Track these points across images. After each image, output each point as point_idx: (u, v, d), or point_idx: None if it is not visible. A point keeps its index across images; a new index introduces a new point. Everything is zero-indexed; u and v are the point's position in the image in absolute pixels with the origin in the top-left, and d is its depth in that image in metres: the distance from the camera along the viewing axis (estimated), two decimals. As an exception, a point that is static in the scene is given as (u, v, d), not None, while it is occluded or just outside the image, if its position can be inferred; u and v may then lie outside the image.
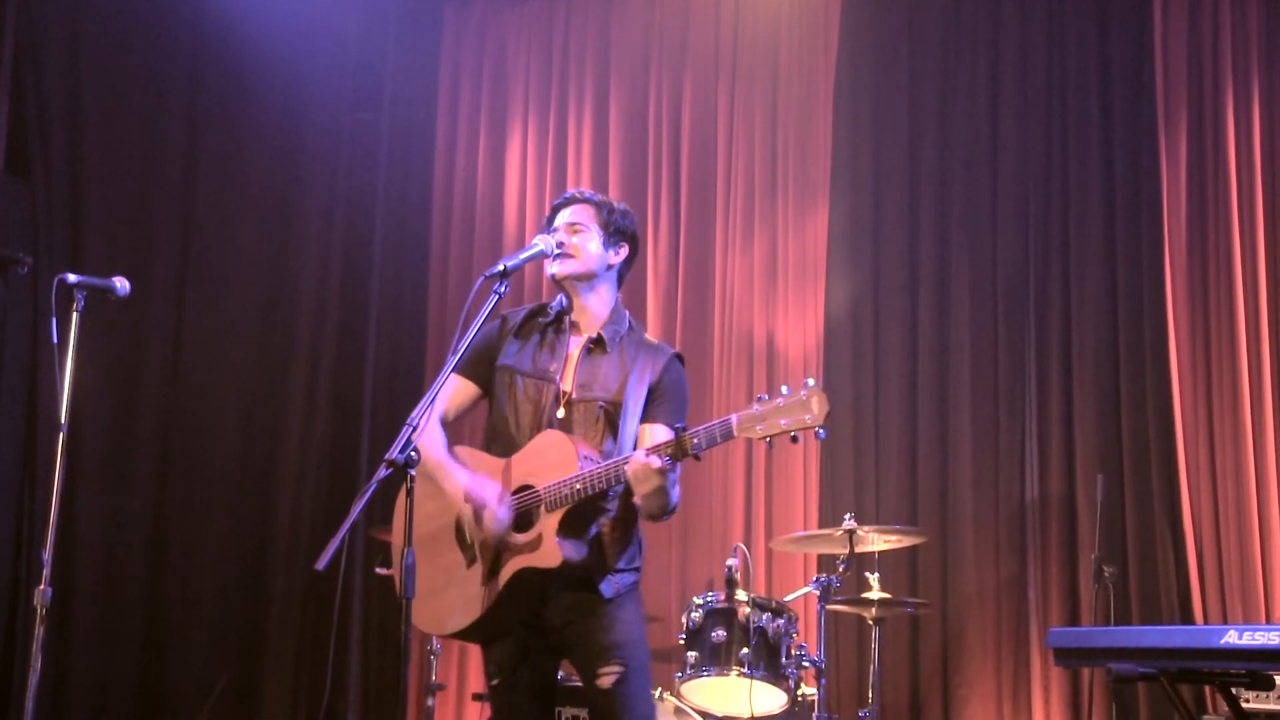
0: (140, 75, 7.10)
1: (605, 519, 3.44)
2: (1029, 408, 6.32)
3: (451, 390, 3.67)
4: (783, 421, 3.03)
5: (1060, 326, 6.35)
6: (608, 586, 3.46)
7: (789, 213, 6.83)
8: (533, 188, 7.20)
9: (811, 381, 3.06)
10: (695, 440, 3.20)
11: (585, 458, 3.34)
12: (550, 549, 3.32)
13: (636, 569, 3.56)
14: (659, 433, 3.46)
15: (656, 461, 3.21)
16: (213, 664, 6.79)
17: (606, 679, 3.41)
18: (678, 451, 3.20)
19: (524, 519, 3.40)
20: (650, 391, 3.51)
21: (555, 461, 3.37)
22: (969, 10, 6.74)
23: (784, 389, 3.06)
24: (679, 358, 3.66)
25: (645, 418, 3.51)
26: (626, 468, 3.26)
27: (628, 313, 3.72)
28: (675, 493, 3.35)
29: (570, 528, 3.35)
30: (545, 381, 3.56)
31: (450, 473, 3.49)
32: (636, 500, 3.35)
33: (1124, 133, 6.41)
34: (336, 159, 7.39)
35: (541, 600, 3.46)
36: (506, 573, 3.38)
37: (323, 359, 7.22)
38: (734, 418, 3.15)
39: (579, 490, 3.30)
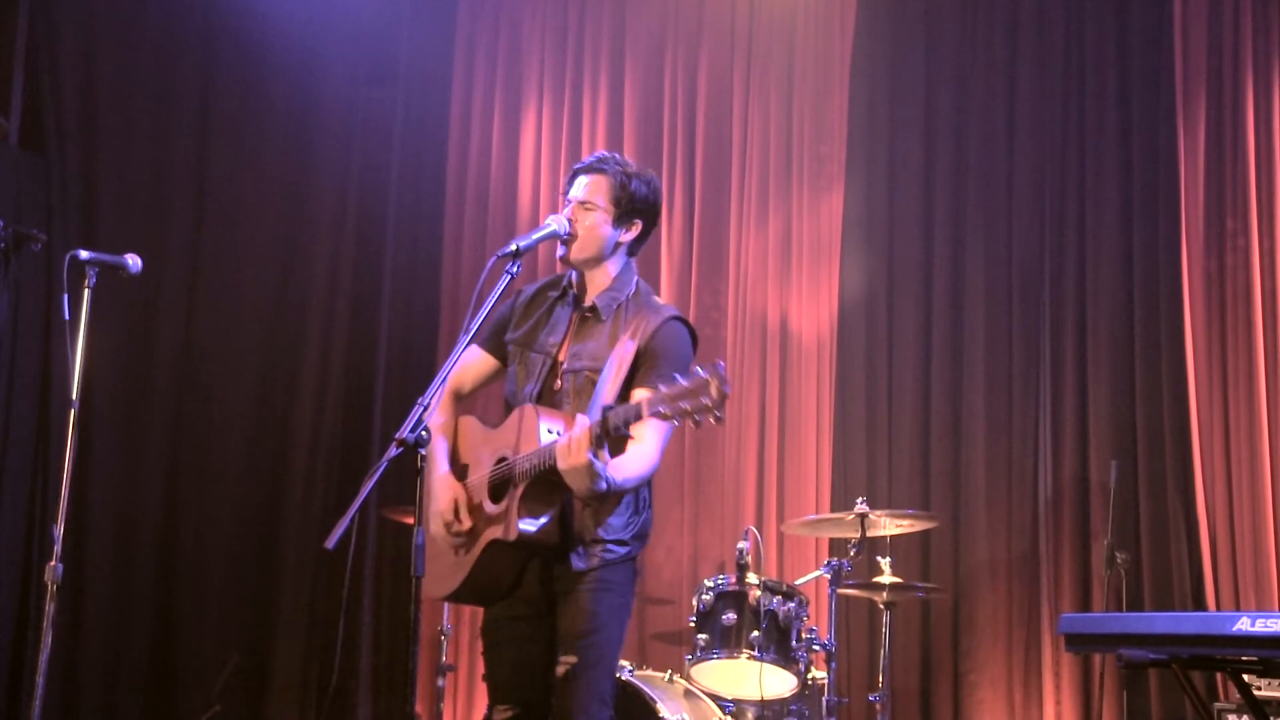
0: (153, 50, 7.10)
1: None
2: (1043, 392, 6.29)
3: (470, 362, 3.73)
4: (683, 404, 2.99)
5: (1075, 310, 6.32)
6: (580, 557, 3.43)
7: (804, 193, 6.80)
8: (547, 166, 7.18)
9: (722, 365, 2.99)
10: (615, 421, 3.14)
11: (549, 430, 3.33)
12: (510, 523, 3.34)
13: (624, 541, 3.49)
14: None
15: (581, 454, 3.13)
16: (224, 642, 6.80)
17: (560, 668, 3.40)
18: (601, 429, 3.14)
19: (499, 490, 3.44)
20: (639, 355, 3.42)
21: (525, 434, 3.40)
22: (986, -6, 6.71)
23: (698, 370, 3.00)
24: (678, 320, 3.55)
25: (634, 383, 3.41)
26: (557, 443, 3.23)
27: (637, 278, 3.65)
28: (615, 476, 3.24)
29: (532, 500, 3.35)
30: (544, 355, 3.58)
31: (432, 466, 3.57)
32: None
33: (1142, 117, 6.35)
34: (350, 135, 7.38)
35: (522, 569, 3.48)
36: (480, 543, 3.43)
37: (335, 337, 7.21)
38: (644, 400, 3.09)
39: (534, 465, 3.31)
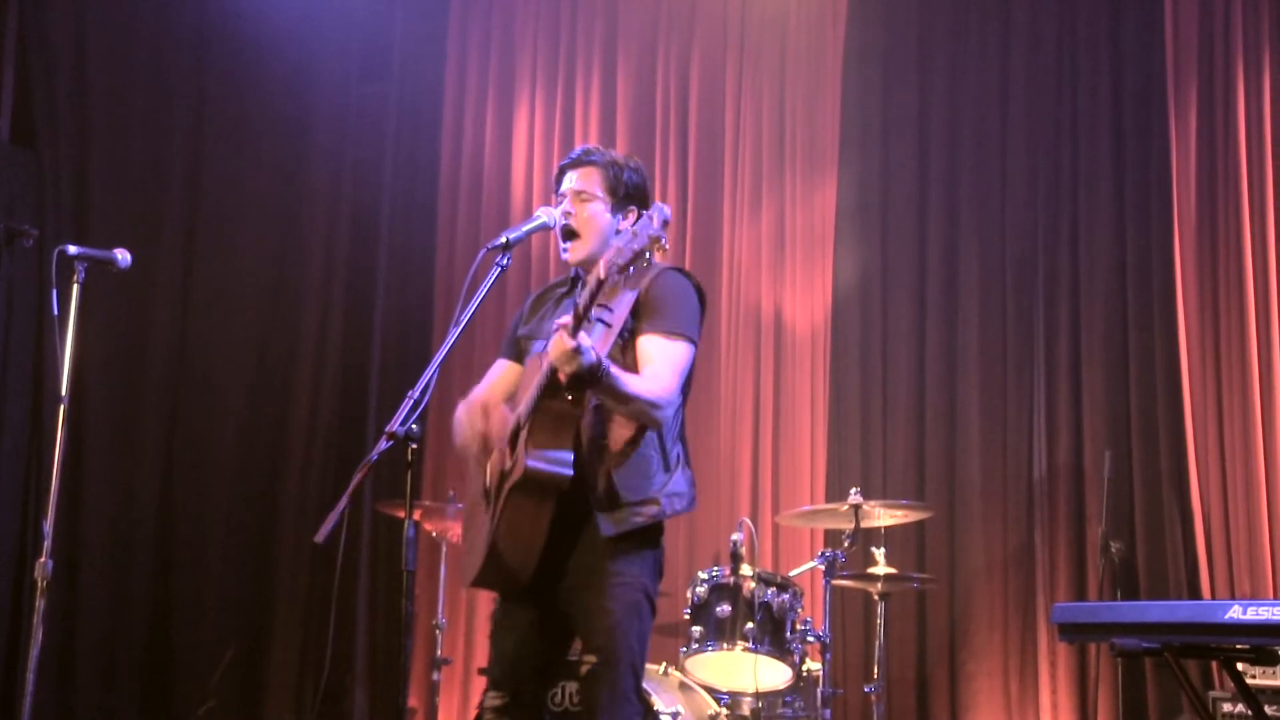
0: (146, 45, 7.09)
1: (588, 437, 3.30)
2: (1037, 382, 6.29)
3: (498, 374, 3.71)
4: (635, 245, 2.97)
5: (1069, 300, 6.31)
6: (608, 523, 3.31)
7: (797, 185, 6.79)
8: (540, 159, 7.18)
9: (664, 207, 3.01)
10: (581, 303, 3.08)
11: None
12: (519, 459, 3.24)
13: (653, 500, 3.36)
14: (649, 345, 3.34)
15: (568, 339, 3.06)
16: (220, 636, 6.80)
17: (584, 666, 3.35)
18: (573, 317, 3.08)
19: (515, 442, 3.35)
20: (637, 304, 3.34)
21: (532, 377, 3.35)
22: (979, -15, 6.70)
23: (642, 212, 3.03)
24: (676, 269, 3.49)
25: (637, 331, 3.36)
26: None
27: None
28: (613, 371, 3.16)
29: (540, 434, 3.24)
30: (548, 339, 3.52)
31: (456, 415, 3.49)
32: (562, 377, 3.15)
33: (1134, 106, 6.35)
34: (344, 130, 7.37)
35: (547, 531, 3.30)
36: (500, 501, 3.30)
37: (330, 330, 7.21)
38: (601, 263, 3.04)
39: (534, 394, 3.25)
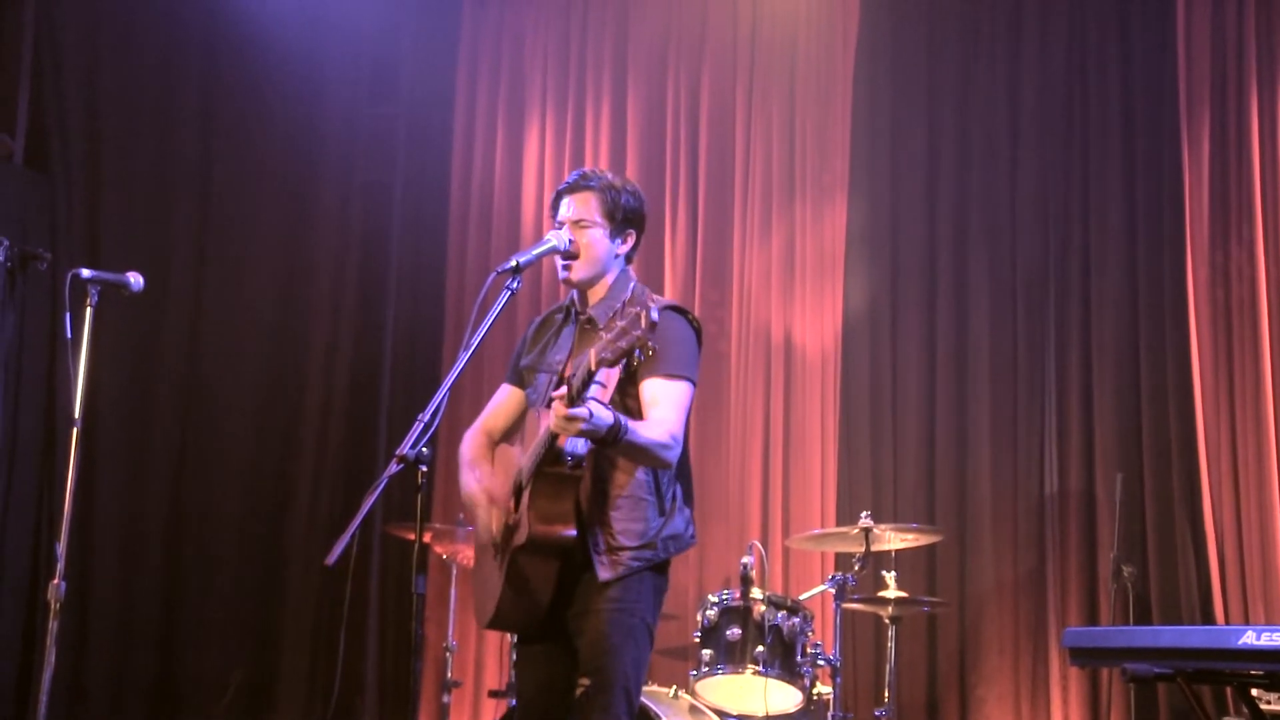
0: (156, 70, 7.12)
1: (586, 486, 3.36)
2: (1048, 405, 6.28)
3: (501, 401, 3.75)
4: (620, 344, 2.98)
5: (1080, 323, 6.31)
6: (604, 566, 3.37)
7: (807, 208, 6.80)
8: (550, 182, 7.17)
9: (654, 305, 3.03)
10: (576, 383, 3.09)
11: (545, 428, 3.28)
12: (523, 525, 3.31)
13: (651, 544, 3.42)
14: (651, 388, 3.38)
15: (561, 408, 3.08)
16: (229, 659, 6.80)
17: (578, 690, 3.37)
18: (570, 394, 3.09)
19: (519, 500, 3.41)
20: None
21: (531, 438, 3.39)
22: (989, 6, 6.70)
23: (632, 307, 3.02)
24: (672, 309, 3.47)
25: (637, 377, 3.39)
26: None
27: (633, 282, 3.61)
28: (636, 434, 3.19)
29: (542, 499, 3.31)
30: (550, 373, 3.57)
31: (462, 481, 3.61)
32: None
33: (1146, 128, 6.35)
34: (353, 153, 7.40)
35: (558, 580, 3.38)
36: (507, 559, 3.38)
37: (339, 354, 7.22)
38: (590, 353, 3.05)
39: (535, 459, 3.30)
